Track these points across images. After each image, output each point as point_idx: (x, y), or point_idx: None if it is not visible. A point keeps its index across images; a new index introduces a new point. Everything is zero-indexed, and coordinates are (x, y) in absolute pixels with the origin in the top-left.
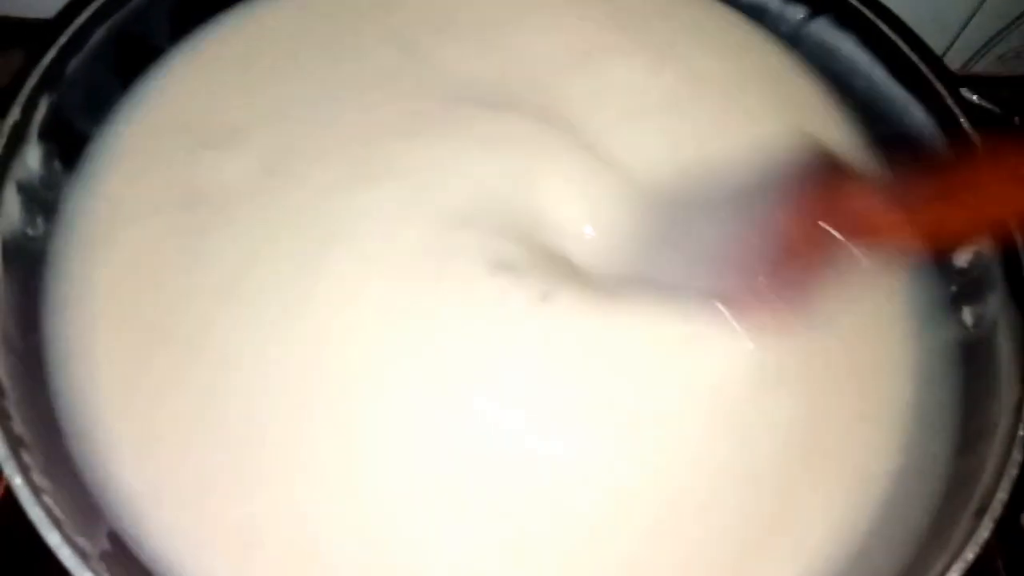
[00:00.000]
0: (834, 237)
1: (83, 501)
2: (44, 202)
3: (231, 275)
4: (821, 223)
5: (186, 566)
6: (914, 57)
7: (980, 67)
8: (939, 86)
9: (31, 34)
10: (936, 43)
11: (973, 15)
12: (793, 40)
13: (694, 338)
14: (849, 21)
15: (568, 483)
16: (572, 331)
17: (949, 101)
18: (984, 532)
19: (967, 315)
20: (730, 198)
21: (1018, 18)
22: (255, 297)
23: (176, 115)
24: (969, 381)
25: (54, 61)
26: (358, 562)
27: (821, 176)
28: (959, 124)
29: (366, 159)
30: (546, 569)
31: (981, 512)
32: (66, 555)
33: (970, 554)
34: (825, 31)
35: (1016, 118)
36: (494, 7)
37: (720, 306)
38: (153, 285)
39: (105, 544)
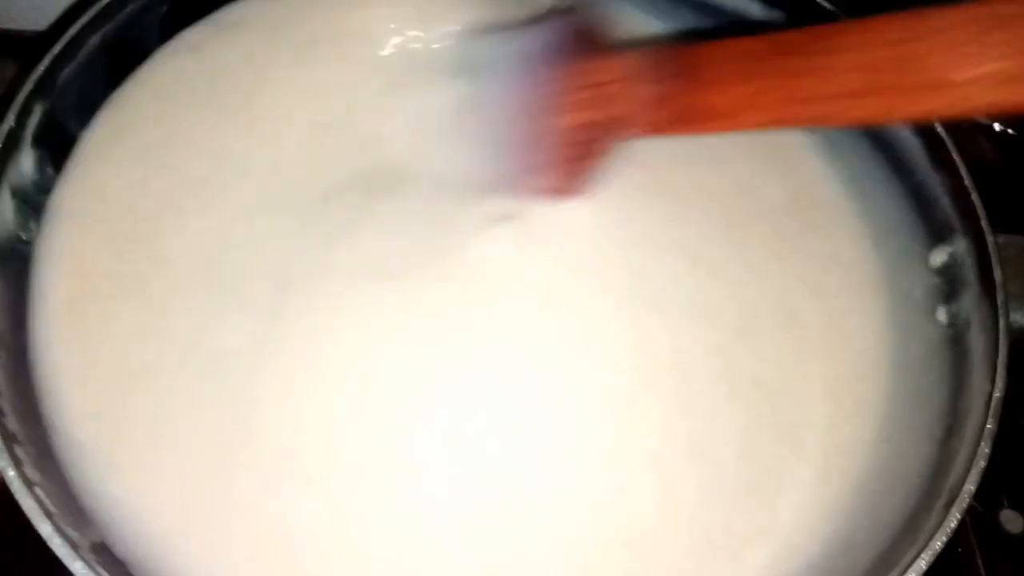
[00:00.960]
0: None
1: (72, 494)
2: (37, 206)
3: (213, 269)
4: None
5: (169, 563)
6: None
7: None
8: None
9: (24, 46)
10: None
11: None
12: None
13: None
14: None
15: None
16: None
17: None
18: (952, 522)
19: (941, 313)
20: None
21: None
22: (241, 293)
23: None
24: (943, 377)
25: (47, 69)
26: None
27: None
28: (932, 127)
29: None
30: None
31: (950, 503)
32: (57, 544)
33: (938, 543)
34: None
35: (996, 124)
36: None
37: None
38: (137, 282)
39: (95, 536)
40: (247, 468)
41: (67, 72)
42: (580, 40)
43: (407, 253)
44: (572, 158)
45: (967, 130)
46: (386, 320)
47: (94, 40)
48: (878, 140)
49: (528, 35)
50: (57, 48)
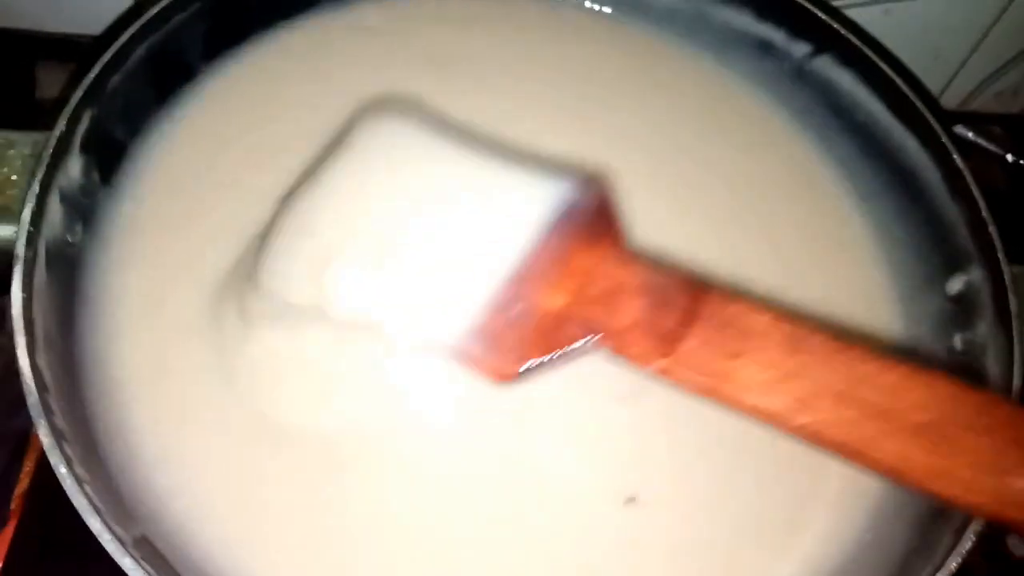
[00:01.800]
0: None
1: (117, 494)
2: (83, 209)
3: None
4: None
5: (211, 559)
6: (910, 94)
7: (977, 104)
8: (933, 121)
9: (70, 49)
10: (936, 80)
11: (971, 54)
12: (798, 75)
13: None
14: (850, 58)
15: None
16: None
17: (943, 136)
18: (967, 544)
19: (958, 340)
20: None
21: (1014, 58)
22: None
23: (208, 138)
24: None
25: (97, 78)
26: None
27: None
28: (951, 158)
29: None
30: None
31: (964, 526)
32: (107, 540)
33: (953, 564)
34: (828, 68)
35: (1009, 155)
36: None
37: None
38: (183, 291)
39: (137, 531)
40: (289, 466)
41: (115, 81)
42: (600, 217)
43: None
44: (541, 344)
45: (980, 159)
46: None
47: (140, 50)
48: (898, 170)
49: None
50: (106, 57)
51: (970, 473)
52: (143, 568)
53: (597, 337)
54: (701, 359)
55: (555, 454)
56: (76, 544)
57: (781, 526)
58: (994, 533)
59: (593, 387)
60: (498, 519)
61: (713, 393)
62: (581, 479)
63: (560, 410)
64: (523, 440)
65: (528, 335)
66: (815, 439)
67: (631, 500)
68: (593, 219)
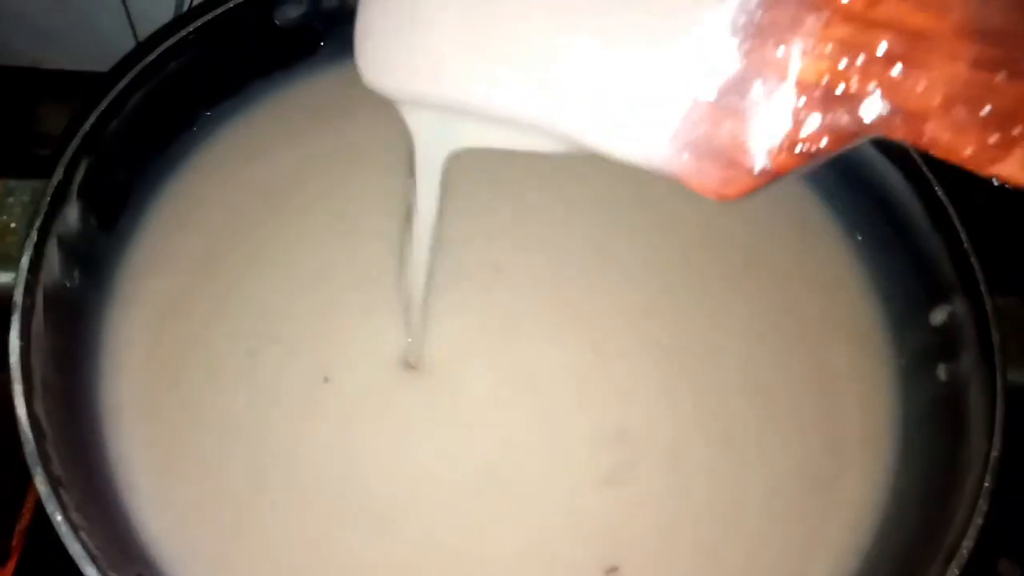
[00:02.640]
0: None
1: (114, 537)
2: (81, 255)
3: (255, 329)
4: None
5: None
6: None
7: None
8: (914, 152)
9: (80, 84)
10: None
11: None
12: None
13: None
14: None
15: None
16: None
17: (924, 168)
18: None
19: (942, 371)
20: None
21: None
22: (277, 353)
23: (211, 183)
24: (944, 434)
25: (94, 125)
26: None
27: None
28: (933, 190)
29: None
30: None
31: (949, 559)
32: None
33: None
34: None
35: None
36: None
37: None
38: (178, 337)
39: (134, 573)
40: (289, 510)
41: (113, 127)
42: None
43: None
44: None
45: (965, 186)
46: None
47: (139, 96)
48: (882, 202)
49: None
50: (104, 104)
51: None
52: None
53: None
54: None
55: (537, 525)
56: None
57: None
58: (984, 560)
59: (575, 468)
60: None
61: None
62: (561, 549)
63: (542, 488)
64: (503, 512)
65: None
66: None
67: (613, 570)
68: None
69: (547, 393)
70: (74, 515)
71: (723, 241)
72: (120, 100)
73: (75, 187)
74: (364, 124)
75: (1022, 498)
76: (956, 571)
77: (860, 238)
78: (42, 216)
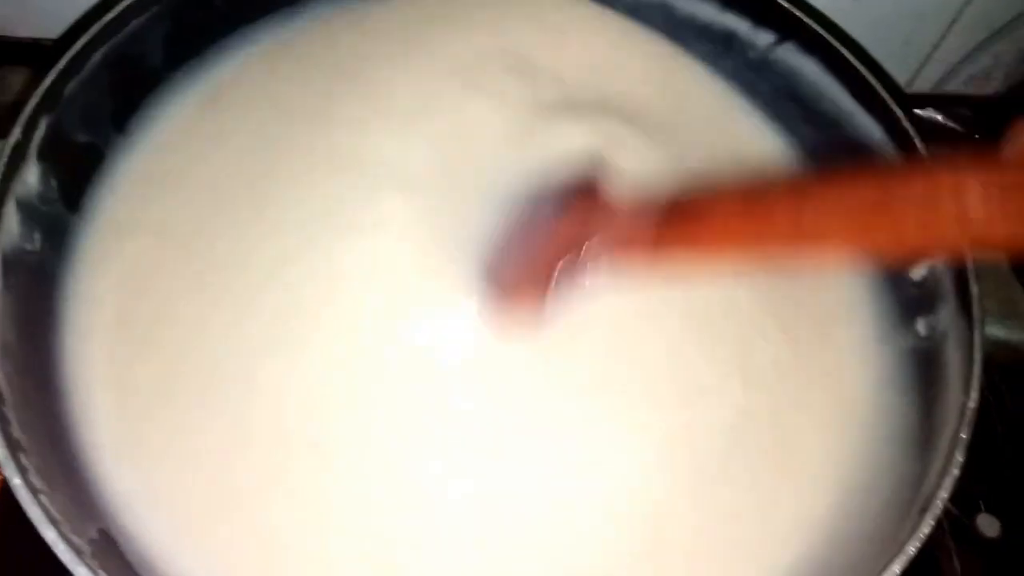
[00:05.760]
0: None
1: (76, 501)
2: (41, 217)
3: (223, 289)
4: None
5: (170, 564)
6: (871, 79)
7: (950, 89)
8: (895, 107)
9: (36, 53)
10: (907, 65)
11: (942, 39)
12: (762, 65)
13: None
14: (813, 46)
15: None
16: None
17: (905, 122)
18: (925, 528)
19: (921, 326)
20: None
21: (985, 41)
22: (244, 312)
23: (180, 145)
24: (922, 388)
25: (53, 84)
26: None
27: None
28: (914, 144)
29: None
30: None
31: (924, 510)
32: (62, 550)
33: (911, 549)
34: (792, 56)
35: (977, 135)
36: None
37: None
38: (146, 298)
39: (96, 540)
40: (242, 483)
41: (72, 87)
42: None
43: None
44: (541, 279)
45: (950, 141)
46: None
47: (98, 56)
48: (865, 158)
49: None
50: (62, 63)
51: None
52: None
53: (593, 247)
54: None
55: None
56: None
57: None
58: (963, 514)
59: None
60: None
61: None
62: None
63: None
64: None
65: (537, 271)
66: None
67: None
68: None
69: None
70: (34, 478)
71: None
72: (80, 58)
73: (34, 147)
74: (342, 80)
75: (1000, 453)
76: (931, 522)
77: None
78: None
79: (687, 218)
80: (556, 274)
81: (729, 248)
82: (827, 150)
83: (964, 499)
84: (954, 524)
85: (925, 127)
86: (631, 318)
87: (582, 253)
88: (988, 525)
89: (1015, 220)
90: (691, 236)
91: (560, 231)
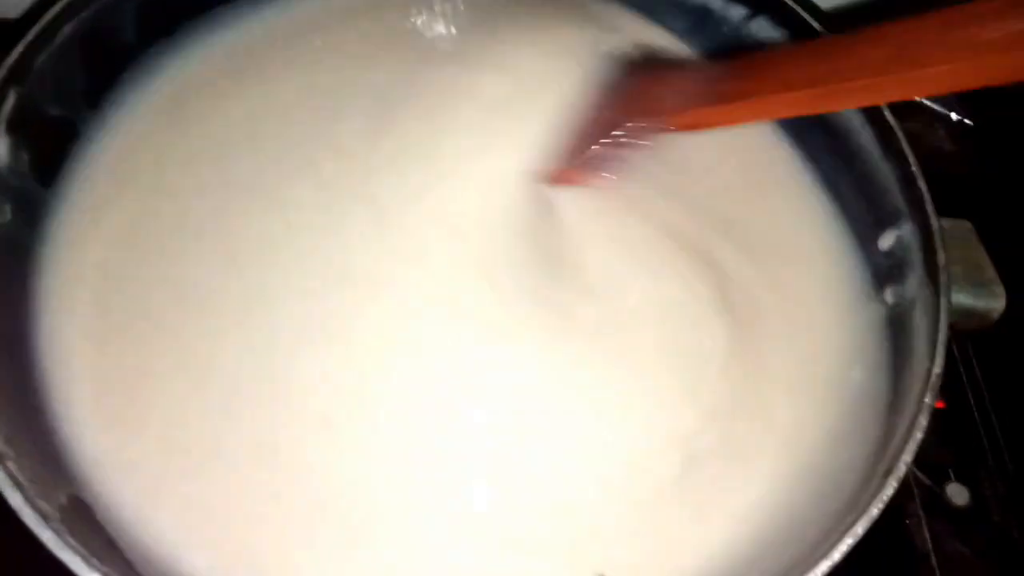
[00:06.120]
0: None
1: (46, 466)
2: (11, 191)
3: (201, 259)
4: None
5: (143, 530)
6: None
7: None
8: None
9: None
10: None
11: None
12: (736, 40)
13: None
14: (785, 19)
15: None
16: None
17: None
18: (888, 490)
19: (889, 294)
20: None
21: None
22: (222, 281)
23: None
24: (890, 356)
25: (22, 55)
26: (306, 538)
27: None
28: (883, 116)
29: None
30: None
31: (888, 473)
32: (28, 515)
33: (874, 510)
34: (764, 30)
35: (953, 114)
36: None
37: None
38: (123, 268)
39: (66, 506)
40: (228, 434)
41: (42, 59)
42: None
43: None
44: (597, 150)
45: (926, 120)
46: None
47: (69, 28)
48: (834, 131)
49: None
50: (31, 35)
51: None
52: (64, 541)
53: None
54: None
55: None
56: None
57: None
58: (933, 483)
59: None
60: None
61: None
62: None
63: None
64: None
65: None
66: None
67: None
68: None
69: None
70: (2, 446)
71: (689, 171)
72: (49, 31)
73: (3, 119)
74: (328, 67)
75: (969, 422)
76: (895, 484)
77: (816, 166)
78: None
79: (744, 73)
80: (598, 151)
81: (784, 99)
82: (801, 120)
83: (933, 468)
84: (924, 493)
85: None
86: None
87: (626, 132)
88: (957, 494)
89: None
90: (750, 89)
91: (610, 111)
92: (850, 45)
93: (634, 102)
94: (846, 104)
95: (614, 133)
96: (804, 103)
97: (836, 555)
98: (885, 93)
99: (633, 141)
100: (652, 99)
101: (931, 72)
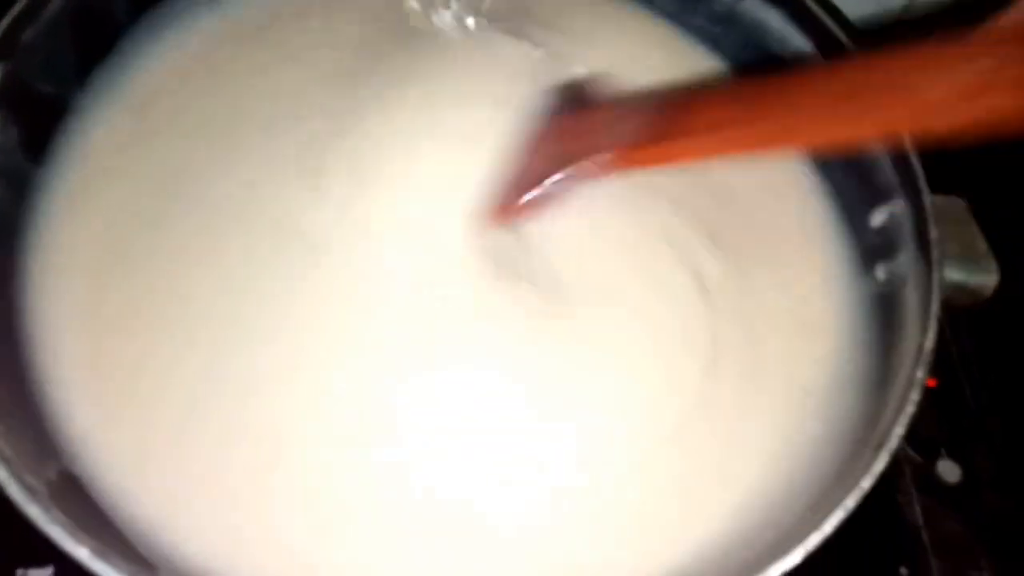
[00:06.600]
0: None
1: (35, 441)
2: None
3: (192, 235)
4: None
5: (134, 506)
6: (835, 29)
7: None
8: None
9: None
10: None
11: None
12: (728, 18)
13: None
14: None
15: None
16: None
17: None
18: (880, 464)
19: (880, 271)
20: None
21: None
22: (215, 257)
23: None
24: (881, 331)
25: (9, 29)
26: (290, 513)
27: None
28: None
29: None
30: None
31: (879, 447)
32: (14, 490)
33: (865, 483)
34: (756, 8)
35: None
36: None
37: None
38: (115, 242)
39: (55, 482)
40: (219, 411)
41: (30, 34)
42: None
43: None
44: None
45: None
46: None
47: (58, 1)
48: None
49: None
50: (17, 8)
51: None
52: (50, 516)
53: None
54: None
55: None
56: None
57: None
58: (924, 460)
59: None
60: None
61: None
62: None
63: None
64: None
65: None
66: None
67: None
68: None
69: None
70: None
71: None
72: (37, 3)
73: None
74: (317, 30)
75: (961, 399)
76: (886, 457)
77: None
78: None
79: (680, 112)
80: (544, 187)
81: (721, 139)
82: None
83: (925, 445)
84: (915, 469)
85: None
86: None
87: (570, 168)
88: (949, 470)
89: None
90: (685, 129)
91: (548, 149)
92: (789, 87)
93: (566, 143)
94: (787, 146)
95: (546, 181)
96: (740, 143)
97: (827, 527)
98: (820, 137)
99: (569, 184)
100: (583, 143)
101: (871, 119)
